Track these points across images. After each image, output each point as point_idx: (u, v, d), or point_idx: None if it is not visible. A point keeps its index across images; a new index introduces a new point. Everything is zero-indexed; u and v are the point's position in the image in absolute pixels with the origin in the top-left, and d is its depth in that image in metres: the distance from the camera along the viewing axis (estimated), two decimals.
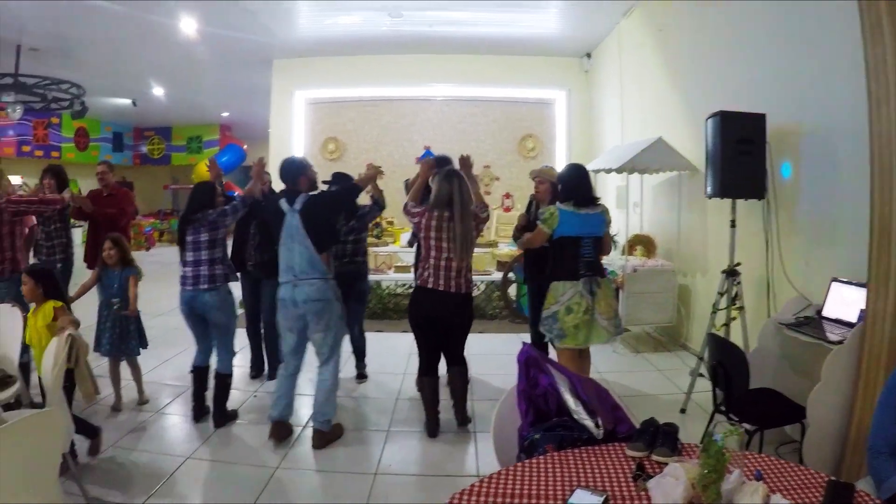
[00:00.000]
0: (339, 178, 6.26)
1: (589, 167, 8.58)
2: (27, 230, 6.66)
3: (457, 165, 5.47)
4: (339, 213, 5.71)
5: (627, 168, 7.29)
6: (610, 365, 7.05)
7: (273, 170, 6.16)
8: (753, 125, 5.44)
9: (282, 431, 5.24)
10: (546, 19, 10.15)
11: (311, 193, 5.32)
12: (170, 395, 6.36)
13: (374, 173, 5.68)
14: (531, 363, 2.95)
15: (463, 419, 5.33)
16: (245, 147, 20.83)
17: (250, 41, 11.09)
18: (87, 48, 11.45)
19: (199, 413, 5.63)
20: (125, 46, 11.48)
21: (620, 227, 9.03)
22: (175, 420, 5.74)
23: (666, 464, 2.38)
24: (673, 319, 7.63)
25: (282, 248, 5.17)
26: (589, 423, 2.72)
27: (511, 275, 9.11)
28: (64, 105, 12.29)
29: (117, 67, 13.33)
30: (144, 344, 6.06)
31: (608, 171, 7.77)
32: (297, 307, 5.08)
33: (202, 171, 20.13)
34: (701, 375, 5.84)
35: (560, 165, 11.69)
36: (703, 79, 7.28)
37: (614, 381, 6.47)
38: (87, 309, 6.09)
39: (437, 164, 5.49)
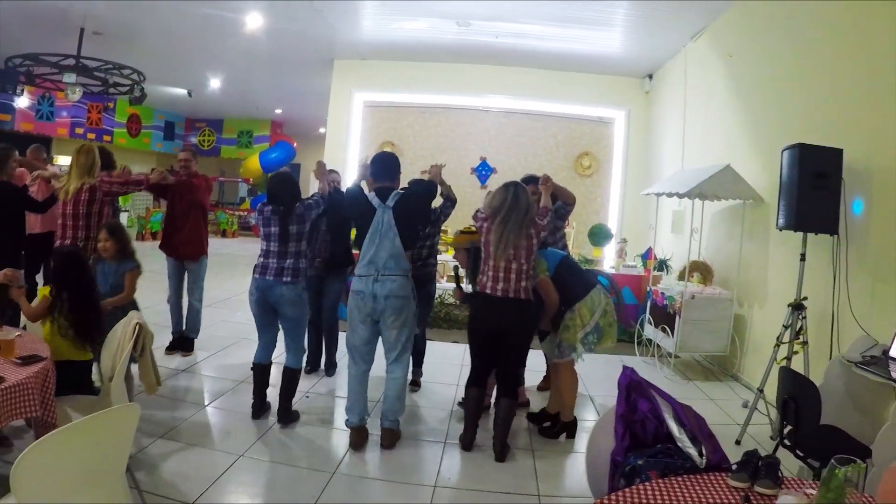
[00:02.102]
0: (415, 183, 6.23)
1: (651, 190, 8.58)
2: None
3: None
4: (428, 212, 5.74)
5: (694, 193, 7.21)
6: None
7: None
8: (831, 159, 5.38)
9: (362, 437, 5.17)
10: (611, 38, 10.12)
11: (402, 192, 5.30)
12: (221, 389, 6.35)
13: (439, 170, 5.78)
14: (633, 387, 2.91)
15: (501, 454, 5.12)
16: (295, 145, 20.94)
17: (313, 40, 11.22)
18: (149, 36, 11.58)
19: (258, 410, 5.54)
20: (188, 37, 11.64)
21: (676, 252, 8.98)
22: (227, 415, 5.69)
23: (770, 496, 2.33)
24: (726, 349, 7.51)
25: (367, 242, 5.13)
26: (693, 451, 2.67)
27: None
28: (123, 90, 12.40)
29: (177, 57, 13.51)
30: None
31: (671, 195, 7.72)
32: (377, 301, 5.05)
33: (251, 165, 20.33)
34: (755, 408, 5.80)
35: (616, 185, 11.75)
36: (773, 108, 7.17)
37: None
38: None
39: (524, 182, 5.52)
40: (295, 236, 5.36)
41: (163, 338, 7.36)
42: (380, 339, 5.30)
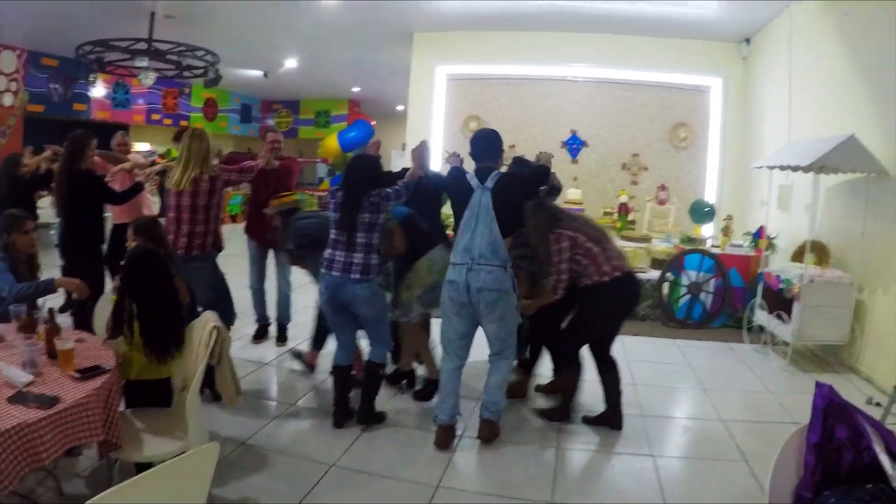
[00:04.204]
0: (521, 163, 5.70)
1: (763, 163, 7.89)
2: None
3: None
4: (532, 196, 5.13)
5: (816, 166, 6.54)
6: (780, 385, 6.42)
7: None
8: None
9: (449, 437, 4.78)
10: None
11: (503, 172, 4.85)
12: (307, 385, 5.94)
13: (550, 156, 5.27)
14: (832, 411, 2.43)
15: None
16: (373, 123, 20.68)
17: (392, 12, 10.72)
18: (222, 17, 11.31)
19: (340, 418, 5.04)
20: (261, 16, 11.27)
21: (782, 230, 8.33)
22: (316, 417, 5.26)
23: None
24: (846, 338, 6.85)
25: (462, 228, 4.70)
26: None
27: (668, 274, 8.61)
28: (197, 73, 12.14)
29: (251, 38, 13.19)
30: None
31: (788, 168, 7.10)
32: (469, 293, 4.61)
33: (330, 145, 20.12)
34: (878, 405, 5.25)
35: (713, 158, 11.06)
36: None
37: (790, 405, 5.83)
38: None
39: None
40: (365, 226, 4.79)
41: (245, 327, 7.11)
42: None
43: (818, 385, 2.59)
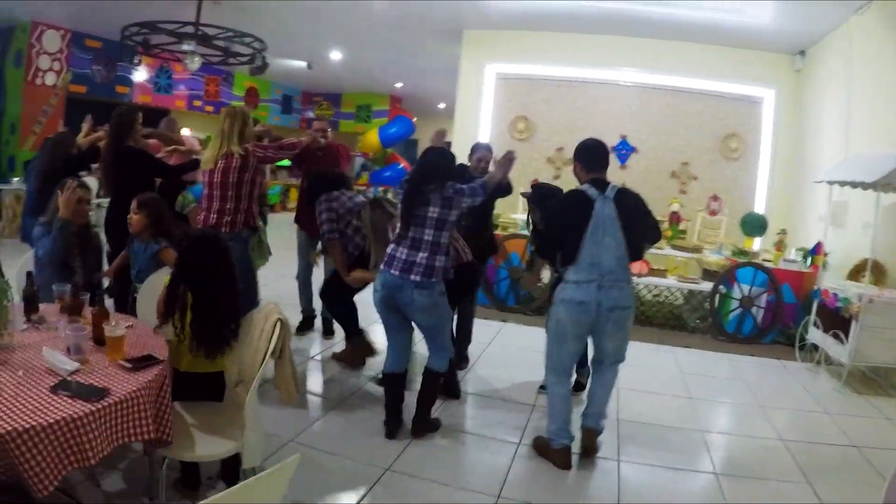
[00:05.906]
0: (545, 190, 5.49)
1: (824, 177, 7.66)
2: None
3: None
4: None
5: (882, 183, 6.35)
6: (836, 406, 6.21)
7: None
8: None
9: (570, 456, 4.50)
10: (762, 8, 9.13)
11: (620, 186, 4.48)
12: (355, 382, 5.80)
13: (511, 159, 4.90)
14: None
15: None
16: (414, 120, 20.55)
17: (442, 9, 10.66)
18: (269, 5, 11.26)
19: (393, 428, 4.74)
20: (310, 6, 11.26)
21: (834, 247, 8.13)
22: (367, 416, 5.04)
23: None
24: None
25: (587, 241, 4.29)
26: None
27: (721, 286, 8.41)
28: (243, 60, 12.00)
29: (298, 28, 13.12)
30: None
31: (846, 183, 6.94)
32: (601, 313, 4.29)
33: (371, 140, 20.01)
34: None
35: (763, 170, 10.85)
36: None
37: (848, 427, 5.66)
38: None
39: None
40: (434, 222, 4.47)
41: (290, 319, 6.87)
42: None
43: None
